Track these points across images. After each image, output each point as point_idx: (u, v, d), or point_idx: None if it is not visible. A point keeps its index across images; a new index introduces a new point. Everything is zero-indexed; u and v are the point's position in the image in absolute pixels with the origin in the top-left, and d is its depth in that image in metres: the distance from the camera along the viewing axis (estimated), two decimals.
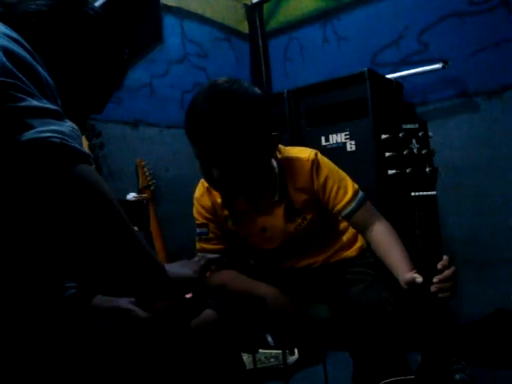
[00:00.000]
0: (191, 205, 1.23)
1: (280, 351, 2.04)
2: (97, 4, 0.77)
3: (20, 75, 0.44)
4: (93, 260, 0.49)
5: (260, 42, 2.95)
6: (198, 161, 1.02)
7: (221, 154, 0.96)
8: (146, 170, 2.11)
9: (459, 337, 1.87)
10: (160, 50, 2.34)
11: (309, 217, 1.16)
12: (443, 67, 2.09)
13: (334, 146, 2.17)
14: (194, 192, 1.22)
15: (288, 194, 1.13)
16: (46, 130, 0.41)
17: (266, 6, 2.93)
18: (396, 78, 2.21)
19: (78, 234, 0.45)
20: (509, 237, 2.02)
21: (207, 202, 1.18)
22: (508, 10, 2.00)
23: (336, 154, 2.17)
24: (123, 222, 0.51)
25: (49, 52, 0.61)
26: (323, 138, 2.20)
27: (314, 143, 2.25)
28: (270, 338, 2.20)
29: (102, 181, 0.49)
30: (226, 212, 1.17)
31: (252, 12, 2.96)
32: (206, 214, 1.18)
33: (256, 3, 2.94)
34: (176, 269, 0.69)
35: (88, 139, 1.78)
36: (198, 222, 1.20)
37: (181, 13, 2.47)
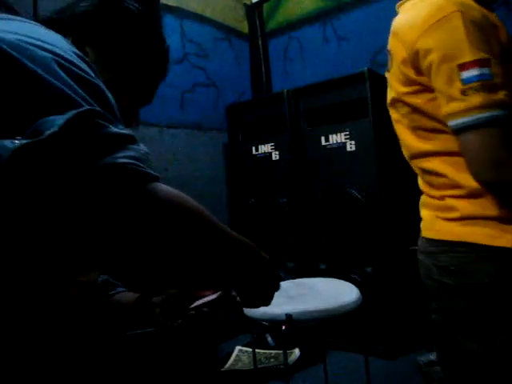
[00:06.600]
0: None
1: (280, 351, 2.04)
2: None
3: (93, 101, 0.47)
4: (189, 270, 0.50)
5: (260, 41, 2.95)
6: None
7: None
8: None
9: None
10: None
11: None
12: None
13: (333, 145, 2.17)
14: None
15: None
16: (121, 156, 0.45)
17: (265, 6, 2.93)
18: None
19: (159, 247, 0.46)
20: None
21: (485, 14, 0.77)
22: (508, 9, 2.00)
23: (336, 153, 2.17)
24: (213, 225, 0.51)
25: (98, 51, 0.63)
26: (323, 138, 2.20)
27: (313, 143, 2.25)
28: (269, 338, 2.20)
29: (178, 193, 0.50)
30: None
31: (252, 12, 2.96)
32: (485, 37, 0.74)
33: (256, 3, 2.94)
34: None
35: None
36: (473, 59, 0.72)
37: (180, 12, 2.47)
